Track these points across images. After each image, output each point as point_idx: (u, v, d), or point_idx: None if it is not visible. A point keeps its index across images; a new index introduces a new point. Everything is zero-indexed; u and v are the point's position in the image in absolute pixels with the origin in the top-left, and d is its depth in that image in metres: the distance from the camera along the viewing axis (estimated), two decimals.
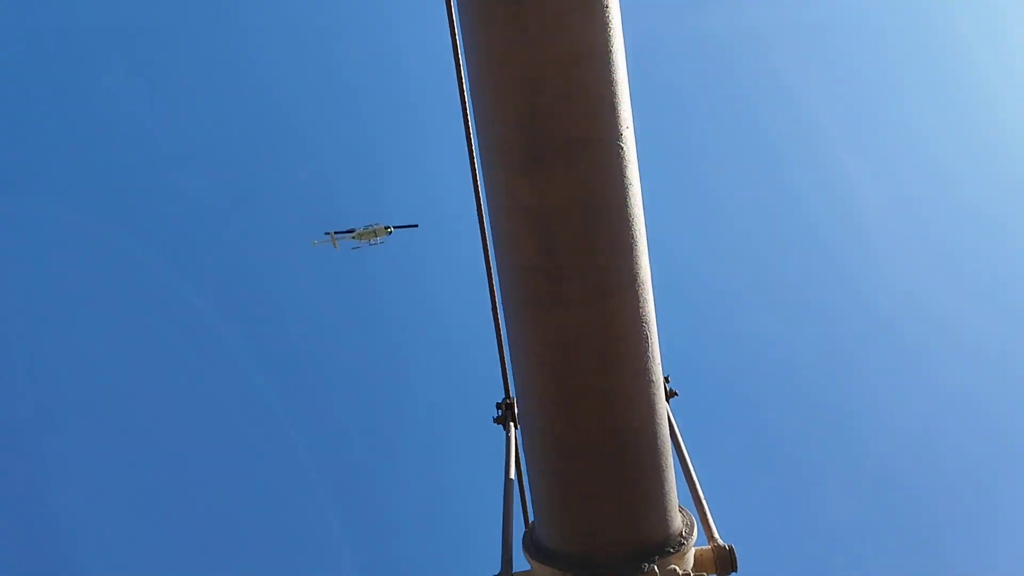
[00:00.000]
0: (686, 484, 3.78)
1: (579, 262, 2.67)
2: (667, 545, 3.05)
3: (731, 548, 3.19)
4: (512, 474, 4.08)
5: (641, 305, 2.81)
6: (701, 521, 3.44)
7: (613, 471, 2.91)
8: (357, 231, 45.63)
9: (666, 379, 4.63)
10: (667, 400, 4.55)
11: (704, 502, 3.56)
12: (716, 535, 3.33)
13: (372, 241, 45.71)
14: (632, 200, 2.73)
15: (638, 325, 2.81)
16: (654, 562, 2.95)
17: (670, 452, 3.15)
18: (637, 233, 2.76)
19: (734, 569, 3.18)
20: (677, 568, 2.94)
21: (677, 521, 3.18)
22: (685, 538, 3.12)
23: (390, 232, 45.57)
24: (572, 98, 2.49)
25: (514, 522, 3.84)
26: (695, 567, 3.15)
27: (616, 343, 2.77)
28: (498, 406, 4.85)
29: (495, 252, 2.94)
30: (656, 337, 3.00)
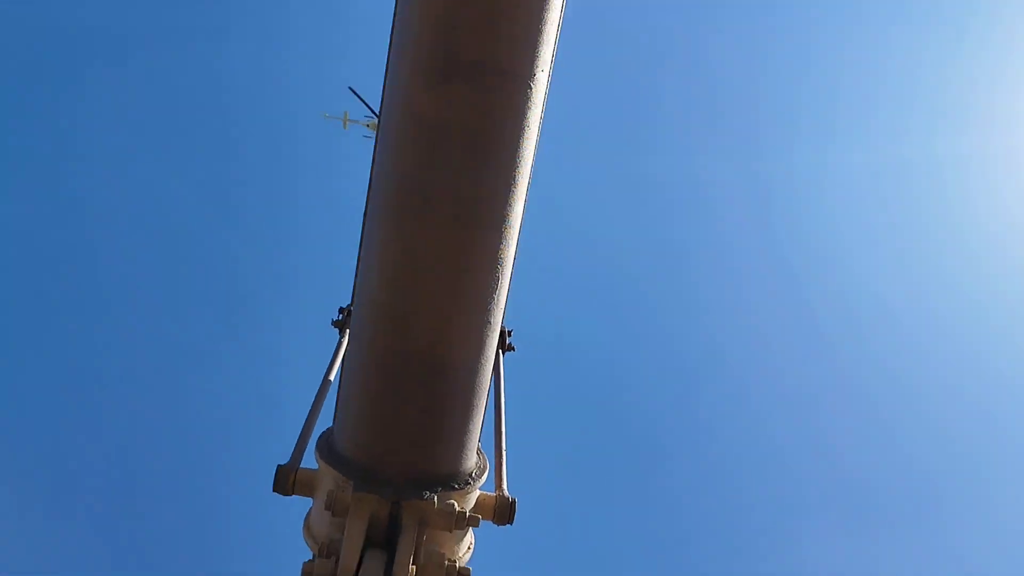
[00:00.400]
0: (493, 431, 3.86)
1: (455, 186, 2.65)
2: (454, 480, 3.11)
3: (514, 500, 3.29)
4: (332, 376, 4.06)
5: (502, 247, 2.82)
6: (495, 469, 3.52)
7: (423, 396, 2.93)
8: (374, 122, 45.30)
9: (509, 332, 4.70)
10: (503, 351, 4.61)
11: (504, 453, 3.65)
12: (505, 486, 3.42)
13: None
14: (525, 143, 2.72)
15: (492, 265, 2.82)
16: (436, 492, 3.00)
17: (485, 396, 3.20)
18: (519, 177, 2.76)
19: (510, 521, 3.27)
20: (456, 503, 3.01)
21: (471, 462, 3.24)
22: (474, 479, 3.19)
23: None
24: (496, 21, 2.44)
25: (318, 425, 3.83)
26: (474, 508, 3.23)
27: (464, 275, 2.77)
28: (340, 311, 4.80)
29: (377, 156, 2.88)
30: (507, 284, 3.02)
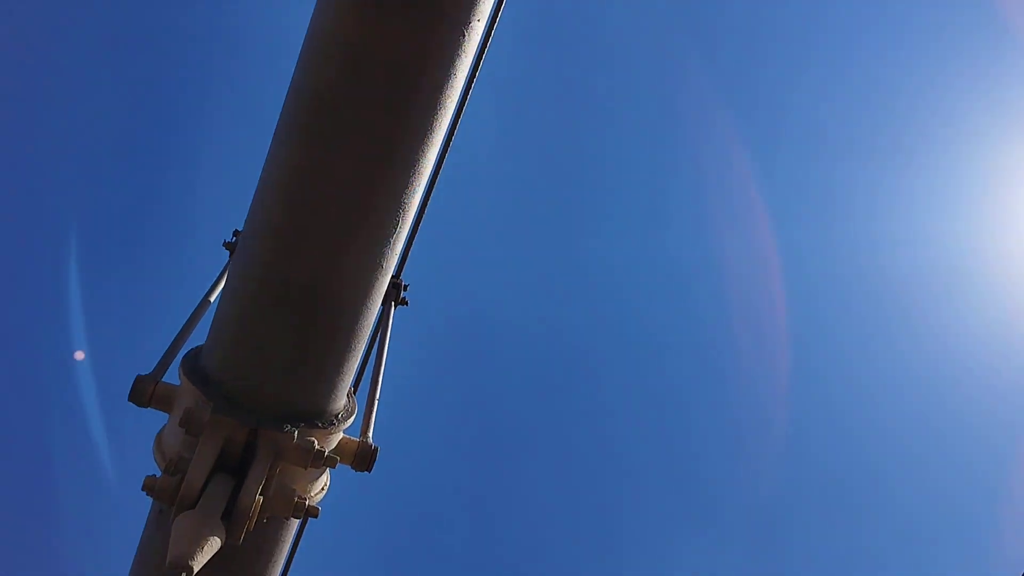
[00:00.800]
0: (370, 379, 3.82)
1: (368, 117, 2.57)
2: (319, 418, 3.05)
3: (376, 449, 3.25)
4: (212, 297, 3.92)
5: (407, 191, 2.77)
6: (364, 416, 3.48)
7: (299, 327, 2.86)
8: None
9: (405, 285, 4.64)
10: (396, 303, 4.56)
11: (376, 401, 3.61)
12: (370, 434, 3.38)
13: None
14: (449, 91, 2.67)
15: (394, 207, 2.76)
16: (298, 427, 2.93)
17: (365, 341, 3.14)
18: (438, 124, 2.70)
19: (368, 468, 3.24)
20: (316, 441, 2.95)
21: (340, 404, 3.19)
22: (339, 421, 3.13)
23: None
24: None
25: (190, 344, 3.70)
26: (334, 450, 3.17)
27: (362, 210, 2.70)
28: (235, 233, 4.64)
29: (296, 74, 2.76)
30: (407, 231, 2.96)
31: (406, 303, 4.68)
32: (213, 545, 2.69)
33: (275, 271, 2.79)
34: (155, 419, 3.25)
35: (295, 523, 3.34)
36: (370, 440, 3.32)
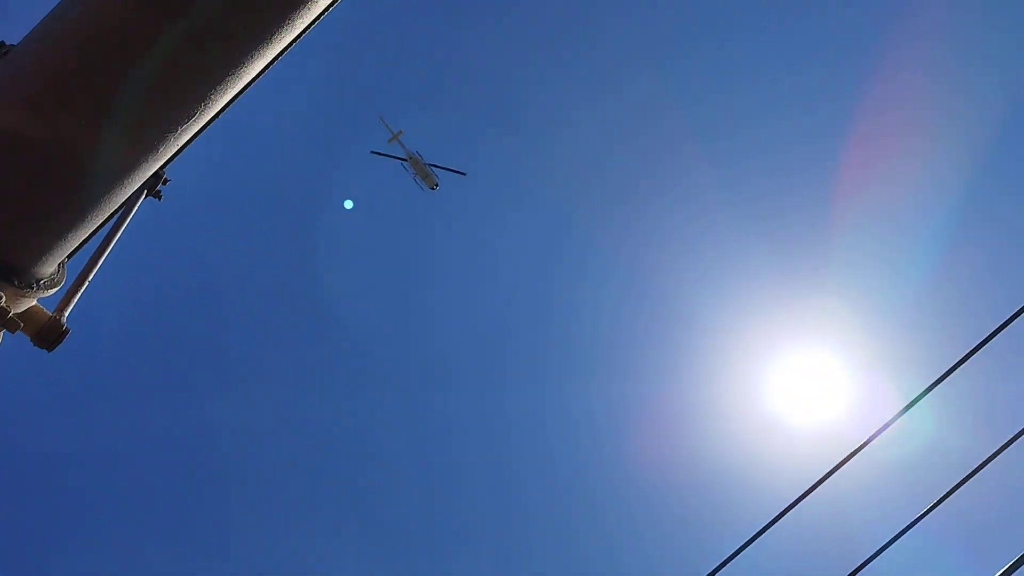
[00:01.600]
0: (90, 258, 3.46)
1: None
2: (18, 276, 2.69)
3: (67, 330, 2.93)
4: None
5: (222, 87, 2.55)
6: (68, 294, 3.14)
7: (39, 175, 2.52)
8: (415, 158, 43.37)
9: (166, 180, 4.26)
10: (150, 193, 4.18)
11: (86, 284, 3.27)
12: (67, 313, 3.05)
13: (418, 177, 43.87)
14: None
15: (202, 96, 2.53)
16: None
17: (101, 217, 2.83)
18: (283, 32, 2.54)
19: (50, 348, 2.90)
20: (4, 298, 2.60)
21: (46, 271, 2.83)
22: (38, 287, 2.78)
23: (434, 188, 44.60)
24: None
25: None
26: (21, 315, 2.81)
27: (167, 82, 2.46)
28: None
29: None
30: (197, 128, 2.73)
31: (160, 197, 4.31)
32: None
33: (36, 113, 2.45)
34: None
35: None
36: (63, 320, 2.98)
